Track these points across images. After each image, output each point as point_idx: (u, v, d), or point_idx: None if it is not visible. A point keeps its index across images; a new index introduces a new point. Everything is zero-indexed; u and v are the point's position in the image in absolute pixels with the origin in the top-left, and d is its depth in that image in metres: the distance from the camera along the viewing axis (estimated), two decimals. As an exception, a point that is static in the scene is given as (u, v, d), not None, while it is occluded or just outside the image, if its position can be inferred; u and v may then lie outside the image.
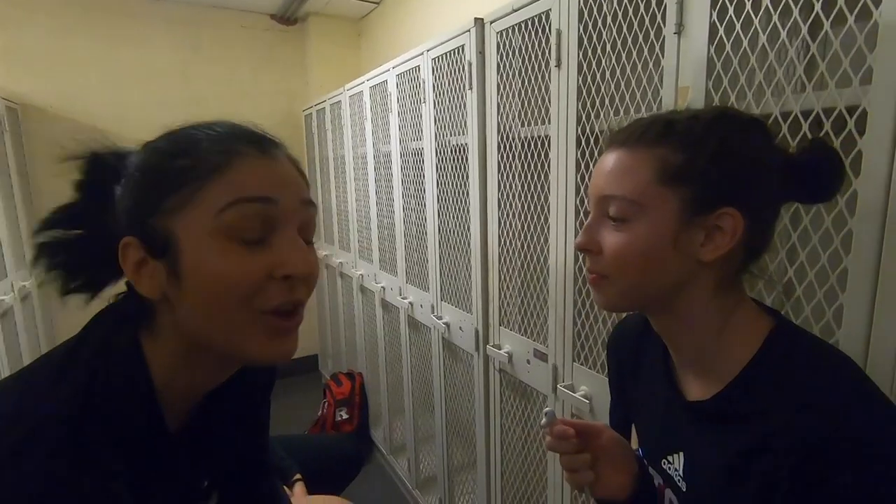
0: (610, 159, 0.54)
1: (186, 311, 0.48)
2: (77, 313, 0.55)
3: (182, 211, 0.46)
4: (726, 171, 0.49)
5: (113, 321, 0.52)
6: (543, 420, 0.61)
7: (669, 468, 0.60)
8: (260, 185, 0.48)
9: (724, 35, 0.73)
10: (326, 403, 2.58)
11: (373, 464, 2.40)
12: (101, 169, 0.51)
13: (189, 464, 0.58)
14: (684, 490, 0.57)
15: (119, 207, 0.50)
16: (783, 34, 0.67)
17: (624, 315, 0.80)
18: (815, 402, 0.46)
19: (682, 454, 0.58)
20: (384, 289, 2.09)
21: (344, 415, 2.50)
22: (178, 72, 2.95)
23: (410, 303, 1.85)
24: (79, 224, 0.52)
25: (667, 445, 0.60)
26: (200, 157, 0.48)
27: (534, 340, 1.24)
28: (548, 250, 1.14)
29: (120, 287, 0.55)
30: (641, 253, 0.51)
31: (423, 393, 1.94)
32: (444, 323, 1.61)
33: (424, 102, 1.59)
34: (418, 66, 1.61)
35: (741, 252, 0.53)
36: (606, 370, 0.79)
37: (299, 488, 1.16)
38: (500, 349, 1.34)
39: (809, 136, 0.65)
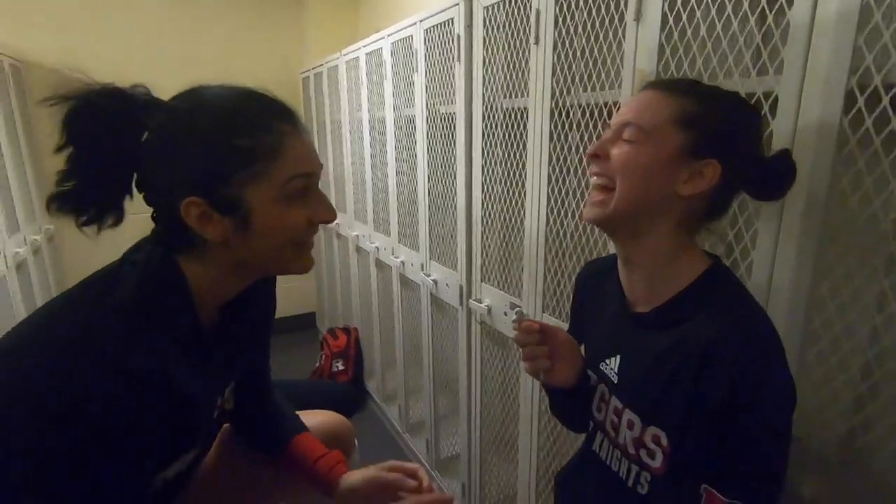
0: (641, 96, 0.66)
1: (247, 249, 0.65)
2: (84, 264, 0.67)
3: (250, 184, 0.61)
4: (724, 133, 0.62)
5: (148, 249, 0.65)
6: (514, 317, 0.75)
7: (606, 368, 0.75)
8: (306, 162, 0.65)
9: (673, 24, 0.83)
10: (323, 356, 2.75)
11: (367, 411, 2.59)
12: (99, 115, 0.61)
13: (218, 355, 0.73)
14: (616, 382, 0.72)
15: (168, 166, 0.61)
16: (735, 23, 0.77)
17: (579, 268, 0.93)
18: (721, 315, 0.60)
19: (618, 356, 0.73)
20: (378, 248, 2.21)
21: (340, 366, 2.67)
22: (174, 32, 2.97)
23: (402, 262, 1.98)
24: (88, 171, 0.61)
25: (607, 351, 0.75)
26: (257, 137, 0.61)
27: (510, 294, 1.38)
28: (524, 213, 1.26)
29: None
30: (641, 165, 0.63)
31: (412, 346, 2.09)
32: (432, 280, 1.74)
33: (416, 72, 1.67)
34: (411, 35, 1.68)
35: (706, 203, 0.65)
36: (571, 301, 0.92)
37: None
38: (480, 303, 1.48)
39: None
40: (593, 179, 0.68)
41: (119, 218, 0.65)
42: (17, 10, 2.59)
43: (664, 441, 0.64)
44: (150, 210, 0.67)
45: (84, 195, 0.62)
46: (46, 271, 2.55)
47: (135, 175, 0.64)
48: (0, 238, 1.98)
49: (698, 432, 0.60)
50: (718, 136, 0.61)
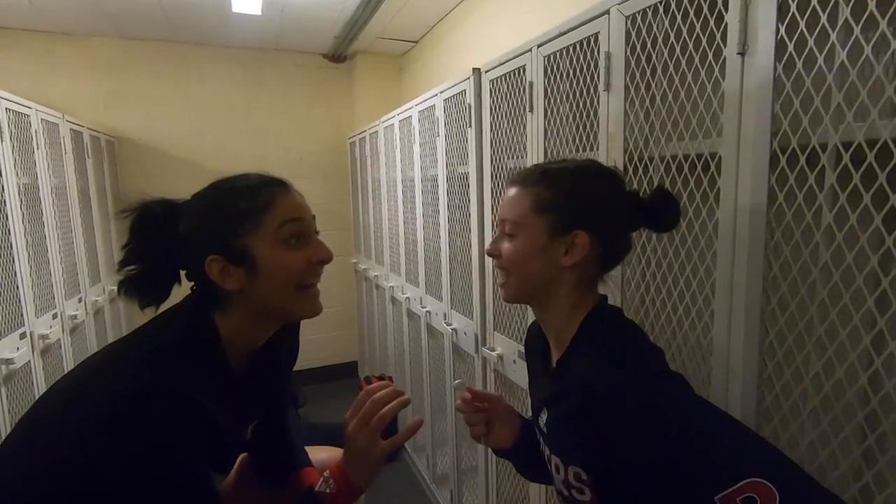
0: (508, 193, 0.76)
1: (258, 294, 0.78)
2: (150, 312, 0.82)
3: (252, 234, 0.76)
4: (577, 206, 0.70)
5: (191, 306, 0.80)
6: (454, 385, 0.83)
7: (540, 421, 0.79)
8: (294, 210, 0.79)
9: (633, 94, 0.92)
10: (359, 403, 2.83)
11: (399, 461, 2.62)
12: (153, 217, 0.79)
13: (246, 398, 0.84)
14: (546, 433, 0.76)
15: (193, 240, 0.76)
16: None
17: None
18: (588, 362, 0.67)
19: (545, 410, 0.77)
20: (409, 299, 2.33)
21: (374, 414, 2.73)
22: (244, 106, 3.39)
23: (428, 311, 2.08)
24: (141, 259, 0.79)
25: (539, 406, 0.80)
26: (255, 198, 0.77)
27: (518, 343, 1.43)
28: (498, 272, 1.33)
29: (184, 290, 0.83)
30: (522, 255, 0.72)
31: (438, 395, 2.14)
32: (452, 329, 1.82)
33: (438, 136, 1.84)
34: (434, 105, 1.86)
35: (596, 262, 0.72)
36: None
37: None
38: (493, 351, 1.54)
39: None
40: (496, 271, 0.78)
41: (165, 298, 0.81)
42: (112, 93, 3.08)
43: (584, 476, 0.67)
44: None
45: (148, 280, 0.79)
46: (107, 330, 2.86)
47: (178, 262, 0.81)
48: (83, 289, 2.28)
49: (614, 465, 0.62)
50: (574, 210, 0.69)
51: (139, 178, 3.11)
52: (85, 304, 2.28)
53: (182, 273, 0.82)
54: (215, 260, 0.75)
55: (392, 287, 2.59)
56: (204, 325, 0.78)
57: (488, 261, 1.56)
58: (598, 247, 0.70)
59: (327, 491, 0.79)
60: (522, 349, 1.39)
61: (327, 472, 0.81)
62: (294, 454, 1.09)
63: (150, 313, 0.81)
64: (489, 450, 1.72)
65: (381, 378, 2.87)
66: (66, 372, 1.00)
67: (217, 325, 0.78)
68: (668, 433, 0.56)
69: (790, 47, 0.65)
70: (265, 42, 3.28)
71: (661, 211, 0.71)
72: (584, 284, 0.73)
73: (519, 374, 1.42)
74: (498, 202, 1.48)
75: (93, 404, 0.68)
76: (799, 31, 0.63)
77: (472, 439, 0.86)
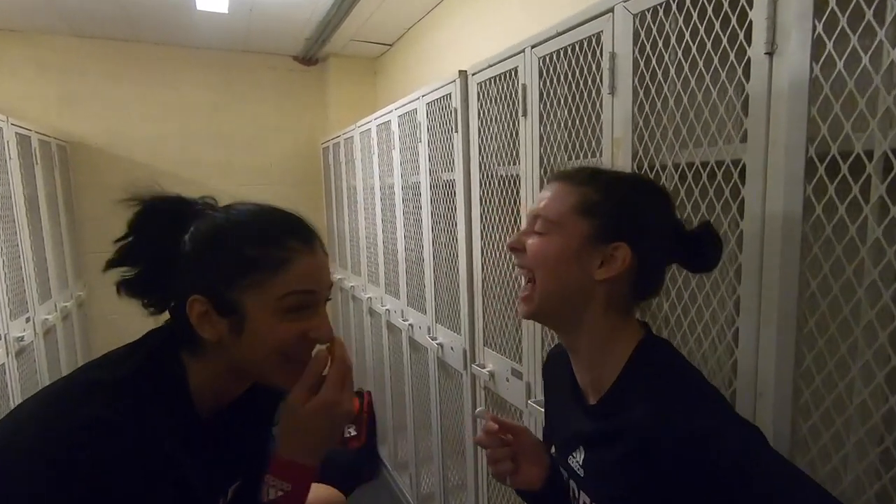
0: (548, 189, 0.68)
1: (237, 353, 0.66)
2: (110, 331, 0.70)
3: (252, 292, 0.63)
4: (627, 216, 0.63)
5: (160, 339, 0.68)
6: (476, 413, 0.73)
7: (573, 461, 0.71)
8: (308, 279, 0.66)
9: (643, 97, 0.86)
10: (337, 420, 2.70)
11: (380, 479, 2.51)
12: (161, 216, 0.66)
13: (221, 452, 0.72)
14: (582, 476, 0.69)
15: (188, 266, 0.64)
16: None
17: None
18: (646, 403, 0.58)
19: (582, 449, 0.69)
20: (389, 311, 2.23)
21: (352, 431, 2.62)
22: (209, 109, 3.22)
23: (411, 324, 1.98)
24: (141, 261, 0.67)
25: (573, 445, 0.71)
26: (271, 250, 0.64)
27: (511, 359, 1.35)
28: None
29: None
30: (552, 255, 0.64)
31: (422, 411, 2.05)
32: (438, 343, 1.73)
33: (420, 142, 1.75)
34: (415, 109, 1.78)
35: (628, 282, 0.65)
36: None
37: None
38: (483, 368, 1.46)
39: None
40: (517, 270, 0.69)
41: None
42: (65, 95, 2.87)
43: None
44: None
45: (148, 282, 0.67)
46: (75, 337, 2.65)
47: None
48: (31, 308, 2.08)
49: None
50: (621, 220, 0.63)
51: (95, 186, 2.91)
52: (34, 323, 2.09)
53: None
54: (199, 301, 0.64)
55: (370, 298, 2.49)
56: (167, 366, 0.66)
57: (477, 272, 1.48)
58: (636, 268, 0.63)
59: (280, 494, 0.66)
60: (516, 366, 1.32)
61: (267, 476, 0.68)
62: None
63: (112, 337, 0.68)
64: (479, 465, 1.65)
65: (358, 393, 2.76)
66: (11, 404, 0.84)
67: (185, 364, 0.67)
68: (749, 491, 0.50)
69: (829, 46, 0.59)
70: (232, 43, 3.13)
71: (705, 247, 0.64)
72: (616, 308, 0.65)
73: (512, 392, 1.34)
74: (489, 211, 1.41)
75: (25, 445, 0.56)
76: (840, 27, 0.58)
77: (496, 479, 0.75)
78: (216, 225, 0.66)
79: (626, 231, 0.62)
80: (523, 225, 1.21)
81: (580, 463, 0.69)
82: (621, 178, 0.68)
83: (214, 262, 0.64)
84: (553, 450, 0.78)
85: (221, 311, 0.64)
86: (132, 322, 0.73)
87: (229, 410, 0.73)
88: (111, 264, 0.66)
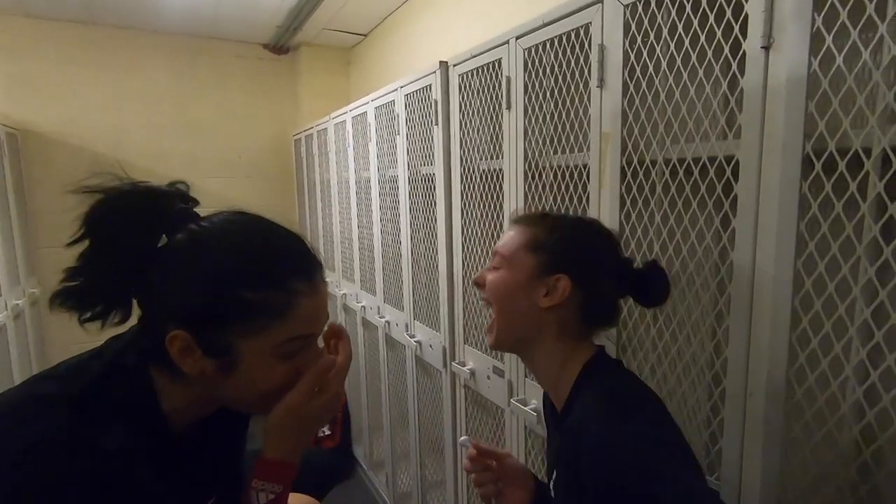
0: (509, 230, 0.77)
1: (222, 389, 0.59)
2: (66, 331, 0.63)
3: (247, 337, 0.56)
4: (567, 251, 0.70)
5: (122, 350, 0.60)
6: (461, 441, 0.73)
7: (552, 483, 0.73)
8: (312, 324, 0.60)
9: (633, 90, 0.84)
10: (310, 420, 2.64)
11: (355, 479, 2.46)
12: (128, 212, 0.56)
13: (194, 468, 0.66)
14: (554, 497, 0.72)
15: (166, 289, 0.56)
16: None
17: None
18: (577, 423, 0.62)
19: (555, 470, 0.72)
20: (365, 308, 2.18)
21: (326, 431, 2.55)
22: (175, 98, 3.08)
23: (388, 321, 1.94)
24: (99, 269, 0.57)
25: (552, 466, 0.74)
26: (267, 293, 0.56)
27: (493, 358, 1.33)
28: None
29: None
30: (503, 287, 0.72)
31: (399, 409, 2.01)
32: (416, 341, 1.70)
33: (398, 134, 1.71)
34: (393, 100, 1.73)
35: (575, 311, 0.70)
36: None
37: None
38: (464, 366, 1.43)
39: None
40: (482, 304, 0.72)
41: (126, 315, 0.60)
42: (15, 79, 2.69)
43: None
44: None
45: (93, 292, 0.57)
46: (28, 337, 2.50)
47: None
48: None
49: None
50: (563, 255, 0.70)
51: (49, 177, 2.74)
52: (-19, 323, 1.95)
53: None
54: (180, 337, 0.55)
55: (345, 295, 2.43)
56: (134, 381, 0.59)
57: (457, 268, 1.45)
58: (580, 297, 0.69)
59: (272, 497, 0.62)
60: (498, 364, 1.30)
61: (255, 481, 0.62)
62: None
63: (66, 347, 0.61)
64: (458, 462, 1.62)
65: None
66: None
67: (155, 380, 0.60)
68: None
69: (828, 40, 0.58)
70: (198, 28, 2.99)
71: (650, 285, 0.71)
72: (569, 335, 0.71)
73: (493, 390, 1.32)
74: (470, 206, 1.38)
75: None
76: (840, 22, 0.57)
77: (483, 501, 0.80)
78: (204, 249, 0.57)
79: (567, 264, 0.69)
80: (505, 223, 1.19)
81: (553, 483, 0.72)
82: (567, 219, 0.76)
83: (202, 300, 0.56)
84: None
85: (207, 350, 0.56)
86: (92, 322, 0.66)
87: (202, 425, 0.67)
88: (71, 277, 0.56)
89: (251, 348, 0.56)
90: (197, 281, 0.56)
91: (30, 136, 2.71)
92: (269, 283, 0.56)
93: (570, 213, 1.01)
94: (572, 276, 0.69)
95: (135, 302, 0.60)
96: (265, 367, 0.58)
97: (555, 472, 0.71)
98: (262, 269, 0.57)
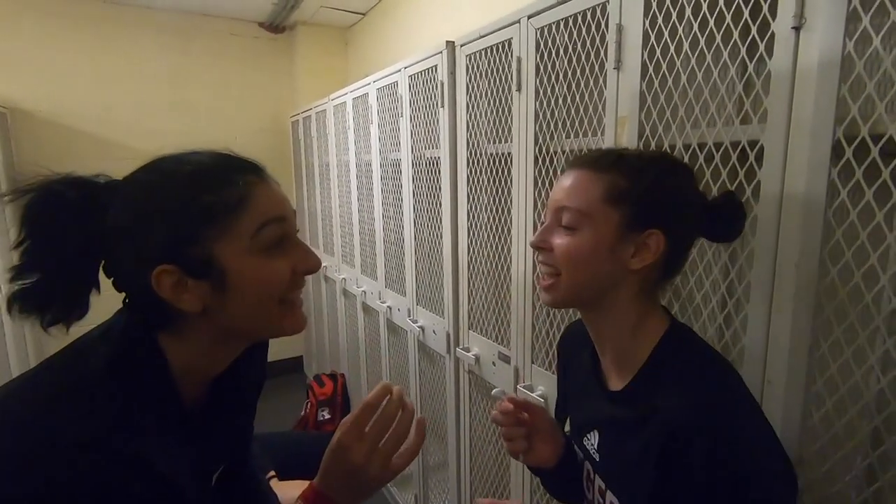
0: (569, 177, 0.64)
1: (229, 313, 0.59)
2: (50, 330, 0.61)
3: (220, 239, 0.56)
4: (658, 201, 0.60)
5: (125, 326, 0.59)
6: (494, 393, 0.70)
7: (588, 444, 0.70)
8: (275, 207, 0.60)
9: (653, 72, 0.82)
10: (309, 404, 2.65)
11: (354, 463, 2.47)
12: (63, 205, 0.56)
13: (208, 436, 0.66)
14: (598, 460, 0.68)
15: (131, 242, 0.56)
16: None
17: (568, 322, 0.88)
18: (681, 393, 0.57)
19: (596, 432, 0.69)
20: (365, 293, 2.16)
21: (326, 415, 2.56)
22: (168, 77, 3.01)
23: (389, 307, 1.93)
24: (43, 265, 0.56)
25: (587, 426, 0.71)
26: (225, 190, 0.57)
27: (499, 343, 1.32)
28: (510, 260, 1.23)
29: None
30: (585, 254, 0.61)
31: (400, 393, 2.01)
32: (419, 326, 1.69)
33: (402, 116, 1.67)
34: (396, 81, 1.69)
35: (660, 268, 0.63)
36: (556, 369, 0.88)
37: (273, 483, 1.23)
38: (468, 352, 1.42)
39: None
40: (540, 267, 0.66)
41: (84, 312, 0.60)
42: (6, 57, 2.61)
43: None
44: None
45: (52, 287, 0.57)
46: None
47: (101, 263, 0.60)
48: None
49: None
50: (653, 206, 0.60)
51: (42, 157, 2.68)
52: (-25, 306, 1.92)
53: (111, 281, 0.60)
54: (167, 272, 0.55)
55: (344, 279, 2.41)
56: (145, 355, 0.58)
57: (462, 253, 1.44)
58: (668, 251, 0.61)
59: None
60: (504, 350, 1.29)
61: (299, 501, 0.66)
62: (259, 497, 0.91)
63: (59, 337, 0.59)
64: (460, 443, 1.63)
65: (331, 376, 2.70)
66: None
67: (164, 349, 0.59)
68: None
69: (865, 20, 0.56)
70: (191, 5, 2.91)
71: (728, 217, 0.62)
72: (646, 294, 0.64)
73: (499, 377, 1.31)
74: (477, 190, 1.36)
75: None
76: (878, 1, 0.55)
77: (511, 456, 0.76)
78: (152, 183, 0.58)
79: (659, 216, 0.60)
80: (513, 207, 1.17)
81: (595, 446, 0.69)
82: (646, 160, 0.63)
83: (168, 222, 0.56)
84: (567, 427, 0.78)
85: (195, 273, 0.56)
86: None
87: (212, 388, 0.67)
88: (16, 273, 0.56)
89: (231, 252, 0.57)
90: (157, 212, 0.56)
91: (18, 115, 2.64)
92: (219, 182, 0.58)
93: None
94: (664, 229, 0.59)
95: (112, 284, 0.60)
96: (253, 267, 0.58)
97: (595, 434, 0.68)
98: (209, 175, 0.59)
